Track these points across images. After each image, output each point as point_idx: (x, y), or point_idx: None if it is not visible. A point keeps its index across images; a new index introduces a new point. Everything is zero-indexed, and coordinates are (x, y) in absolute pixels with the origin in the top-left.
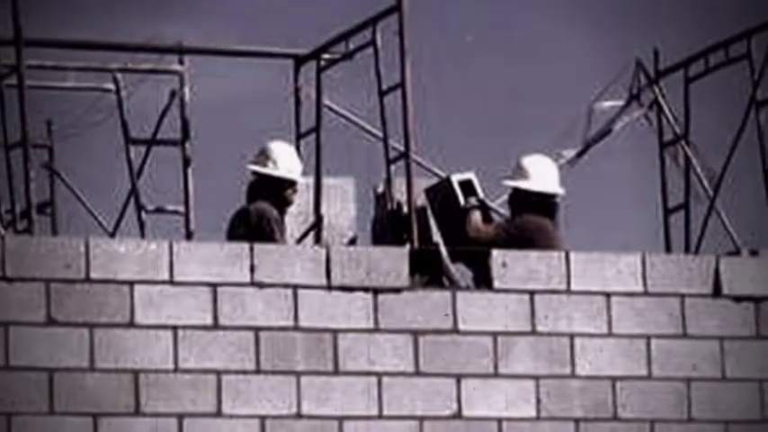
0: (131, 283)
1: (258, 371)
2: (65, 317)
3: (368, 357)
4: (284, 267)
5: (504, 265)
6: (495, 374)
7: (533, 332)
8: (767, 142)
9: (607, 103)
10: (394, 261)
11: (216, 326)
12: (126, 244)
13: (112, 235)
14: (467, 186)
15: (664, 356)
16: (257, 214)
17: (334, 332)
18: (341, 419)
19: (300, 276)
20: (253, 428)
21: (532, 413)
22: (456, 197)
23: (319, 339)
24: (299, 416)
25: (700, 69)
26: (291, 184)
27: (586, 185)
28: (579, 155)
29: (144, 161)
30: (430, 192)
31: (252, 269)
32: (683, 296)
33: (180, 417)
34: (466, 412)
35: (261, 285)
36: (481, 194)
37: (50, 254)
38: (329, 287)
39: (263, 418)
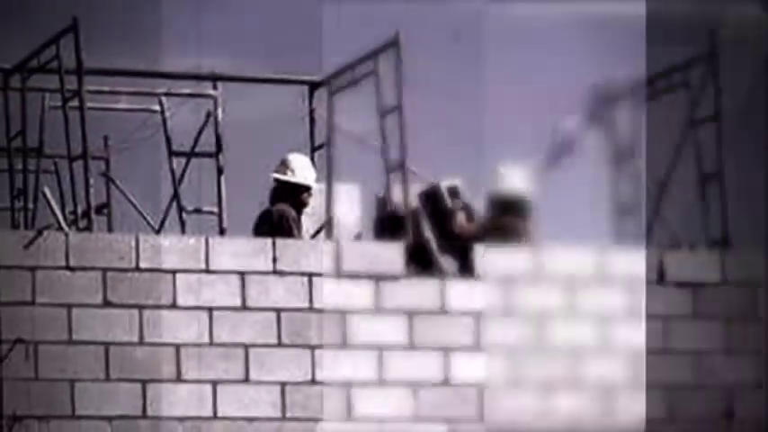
0: (174, 272)
1: (279, 345)
2: (118, 300)
3: (370, 334)
4: (301, 259)
5: (484, 257)
6: (477, 348)
7: (509, 313)
8: (704, 155)
9: (571, 122)
10: (392, 254)
11: (244, 307)
12: (169, 239)
13: (158, 231)
14: (453, 191)
15: (619, 332)
16: (278, 214)
17: (343, 313)
18: (348, 385)
19: (315, 266)
20: (274, 393)
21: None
22: (444, 200)
23: (330, 319)
24: (313, 382)
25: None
26: (307, 189)
27: (553, 190)
28: (548, 165)
29: (184, 170)
30: (422, 196)
31: (274, 260)
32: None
33: (214, 383)
34: (452, 380)
35: (281, 274)
36: (465, 198)
37: (106, 247)
38: (338, 275)
39: (283, 384)
